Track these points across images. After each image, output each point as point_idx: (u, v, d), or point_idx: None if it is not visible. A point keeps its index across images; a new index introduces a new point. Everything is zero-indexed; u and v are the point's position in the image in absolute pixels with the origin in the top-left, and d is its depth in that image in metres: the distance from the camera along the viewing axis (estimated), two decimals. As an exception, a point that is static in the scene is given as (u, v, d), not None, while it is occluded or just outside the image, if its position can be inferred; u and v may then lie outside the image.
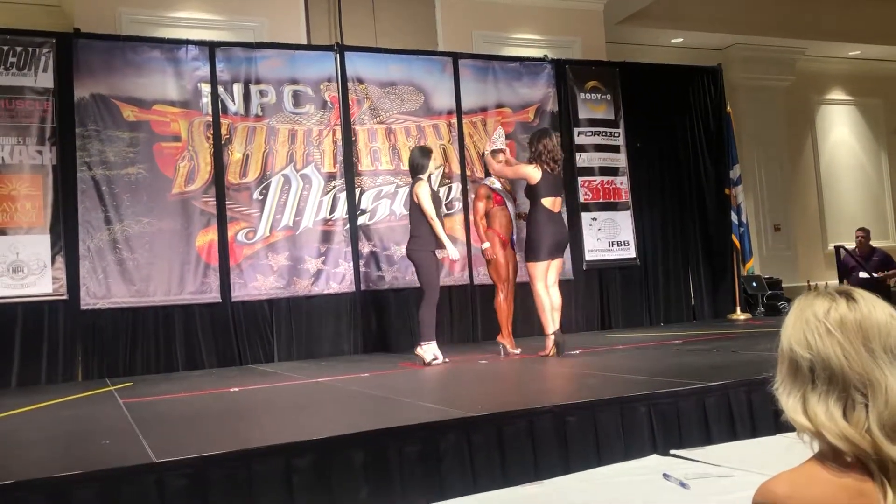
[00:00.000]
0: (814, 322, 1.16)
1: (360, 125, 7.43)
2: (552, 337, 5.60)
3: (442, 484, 2.75)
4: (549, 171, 5.75)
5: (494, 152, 6.19)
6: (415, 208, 5.69)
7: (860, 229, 9.79)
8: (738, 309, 8.53)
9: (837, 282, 9.89)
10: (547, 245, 5.70)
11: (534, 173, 5.73)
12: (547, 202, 5.73)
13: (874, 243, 9.89)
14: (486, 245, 6.05)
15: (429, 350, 5.55)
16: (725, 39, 10.48)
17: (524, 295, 6.41)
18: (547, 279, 5.71)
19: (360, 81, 7.47)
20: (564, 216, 6.38)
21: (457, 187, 7.71)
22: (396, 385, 4.73)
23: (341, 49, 7.44)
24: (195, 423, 3.60)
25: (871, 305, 1.16)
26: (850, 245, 9.79)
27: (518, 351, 5.96)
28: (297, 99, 7.23)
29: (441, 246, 5.65)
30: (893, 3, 11.23)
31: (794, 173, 11.35)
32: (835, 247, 9.95)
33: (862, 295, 1.19)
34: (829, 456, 1.11)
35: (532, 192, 5.79)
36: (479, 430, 2.87)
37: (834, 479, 1.09)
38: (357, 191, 7.31)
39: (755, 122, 10.58)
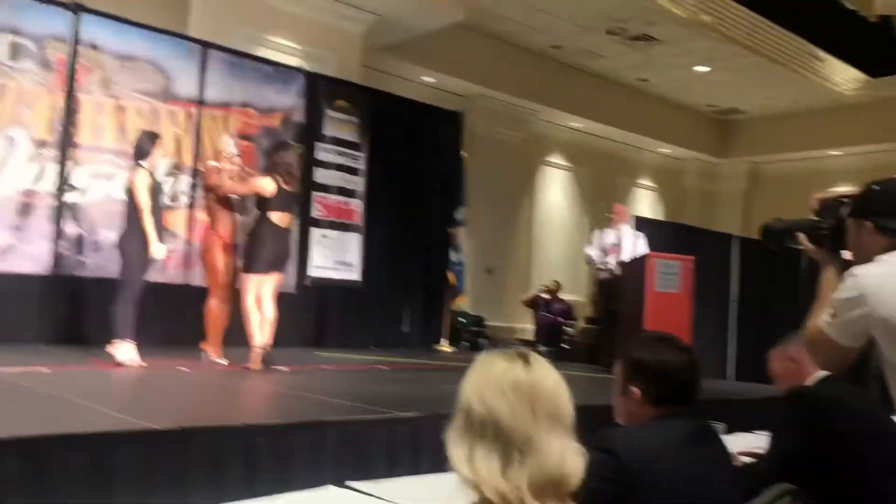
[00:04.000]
0: (492, 380, 1.25)
1: (87, 95, 6.79)
2: (259, 350, 5.48)
3: (110, 502, 2.54)
4: (284, 185, 5.66)
5: (228, 157, 5.97)
6: (131, 197, 5.30)
7: (552, 281, 11.34)
8: (446, 341, 9.01)
9: (534, 325, 10.94)
10: (267, 259, 5.59)
11: (268, 186, 5.60)
12: (275, 217, 5.62)
13: (567, 296, 11.28)
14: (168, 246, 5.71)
15: (122, 349, 5.16)
16: (471, 88, 11.17)
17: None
18: (263, 292, 5.59)
19: (95, 48, 6.84)
20: (293, 233, 6.31)
21: (185, 180, 7.32)
22: (79, 385, 4.31)
23: (78, 8, 6.77)
24: None
25: (543, 370, 1.27)
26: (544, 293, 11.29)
27: (225, 361, 5.74)
28: (14, 51, 6.43)
29: (156, 241, 5.29)
30: (611, 87, 12.71)
31: (512, 223, 12.32)
32: (534, 294, 11.15)
33: (537, 360, 1.29)
34: None
35: (262, 204, 5.65)
36: (160, 445, 2.70)
37: None
38: (69, 164, 6.64)
39: (486, 170, 11.35)
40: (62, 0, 6.82)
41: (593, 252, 7.79)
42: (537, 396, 1.23)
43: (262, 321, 5.54)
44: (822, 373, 2.49)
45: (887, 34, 11.59)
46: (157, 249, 5.25)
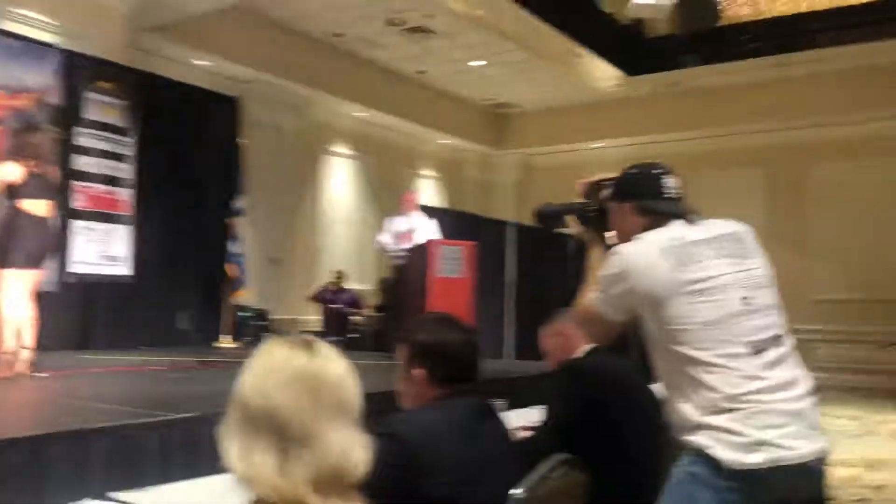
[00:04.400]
0: (272, 370, 1.16)
1: None
2: (11, 357, 4.91)
3: None
4: (35, 169, 5.08)
5: None
6: None
7: (336, 271, 11.17)
8: (227, 336, 8.65)
9: (322, 315, 10.84)
10: (25, 254, 5.00)
11: (13, 171, 5.00)
12: (28, 205, 5.05)
13: (354, 286, 11.25)
14: None
15: None
16: (249, 73, 10.77)
17: None
18: (20, 290, 5.00)
19: None
20: (56, 223, 5.72)
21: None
22: None
23: None
24: None
25: (328, 360, 1.20)
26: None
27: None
28: None
29: None
30: (392, 78, 12.86)
31: (297, 213, 12.09)
32: (319, 289, 10.99)
33: (321, 347, 1.22)
34: None
35: (12, 192, 5.03)
36: None
37: None
38: None
39: (266, 158, 11.00)
40: None
41: (385, 239, 7.85)
42: (321, 386, 1.16)
43: (18, 322, 4.97)
44: (589, 346, 2.66)
45: (639, 36, 12.78)
46: None
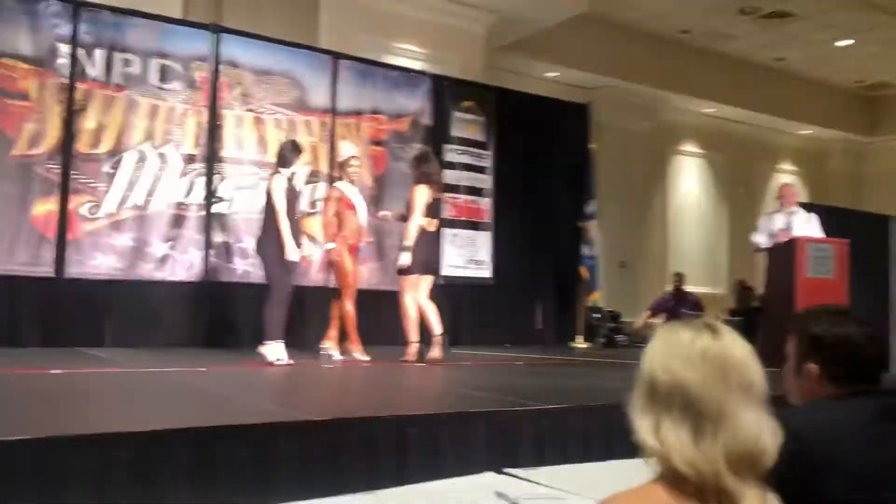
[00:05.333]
0: (677, 350, 1.18)
1: (229, 110, 7.16)
2: (416, 344, 5.82)
3: (272, 489, 2.64)
4: (435, 193, 5.99)
5: (348, 159, 6.15)
6: (268, 202, 5.53)
7: (676, 273, 10.53)
8: (580, 337, 8.86)
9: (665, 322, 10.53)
10: (420, 262, 5.86)
11: (424, 195, 5.87)
12: (426, 222, 5.89)
13: (702, 289, 10.70)
14: (332, 246, 5.96)
15: (272, 349, 5.37)
16: (596, 80, 10.96)
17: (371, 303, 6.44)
18: (419, 293, 5.89)
19: (234, 65, 7.21)
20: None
21: (323, 187, 7.57)
22: (235, 382, 4.54)
23: (218, 29, 7.15)
24: (3, 404, 3.29)
25: (733, 340, 1.20)
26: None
27: (366, 357, 5.89)
28: (164, 74, 6.87)
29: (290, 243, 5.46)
30: (746, 69, 12.15)
31: (645, 215, 11.99)
32: (651, 309, 10.33)
33: (726, 329, 1.22)
34: (670, 481, 1.12)
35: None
36: (316, 436, 2.78)
37: (671, 501, 1.11)
38: (217, 177, 7.02)
39: (615, 161, 11.10)
40: (203, 22, 7.23)
41: (761, 238, 7.20)
42: (727, 366, 1.15)
43: (418, 318, 5.84)
44: None
45: None
46: (292, 252, 5.42)
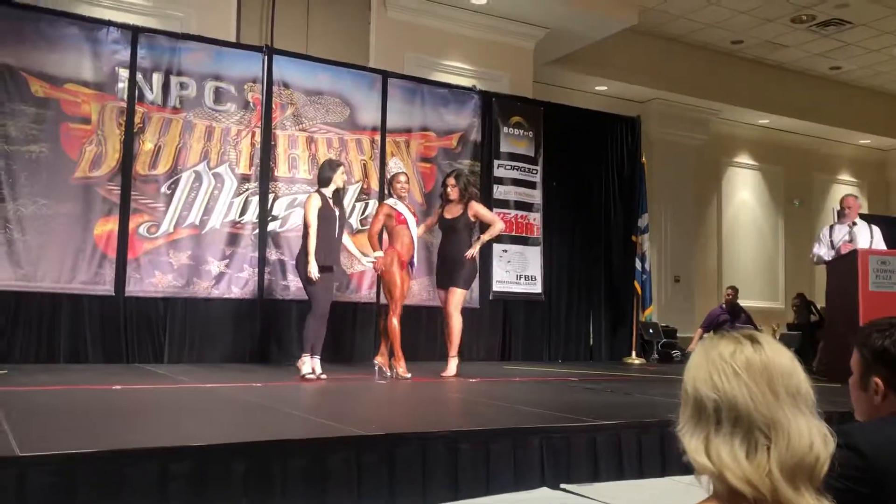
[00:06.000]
0: (720, 363, 1.16)
1: (282, 130, 7.30)
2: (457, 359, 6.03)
3: (326, 503, 2.66)
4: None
5: (396, 175, 6.20)
6: (304, 221, 5.63)
7: (730, 287, 10.27)
8: (634, 353, 8.73)
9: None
10: (464, 278, 6.20)
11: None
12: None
13: (751, 302, 10.44)
14: (378, 254, 5.97)
15: (307, 363, 5.45)
16: (646, 93, 10.86)
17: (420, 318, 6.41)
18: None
19: (286, 86, 7.35)
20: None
21: (374, 204, 7.64)
22: (290, 398, 4.60)
23: (270, 52, 7.31)
24: (69, 419, 3.39)
25: (775, 349, 1.17)
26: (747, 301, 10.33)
27: (409, 375, 5.88)
28: (218, 96, 7.04)
29: (321, 260, 5.47)
30: (800, 79, 11.91)
31: (698, 229, 11.80)
32: (709, 317, 10.13)
33: (766, 338, 1.20)
34: (725, 498, 1.10)
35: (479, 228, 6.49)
36: (369, 450, 2.80)
37: None
38: (271, 196, 7.15)
39: (667, 175, 10.97)
40: (256, 45, 7.40)
41: (822, 251, 7.01)
42: (773, 375, 1.13)
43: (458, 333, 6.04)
44: None
45: None
46: (313, 270, 5.42)
